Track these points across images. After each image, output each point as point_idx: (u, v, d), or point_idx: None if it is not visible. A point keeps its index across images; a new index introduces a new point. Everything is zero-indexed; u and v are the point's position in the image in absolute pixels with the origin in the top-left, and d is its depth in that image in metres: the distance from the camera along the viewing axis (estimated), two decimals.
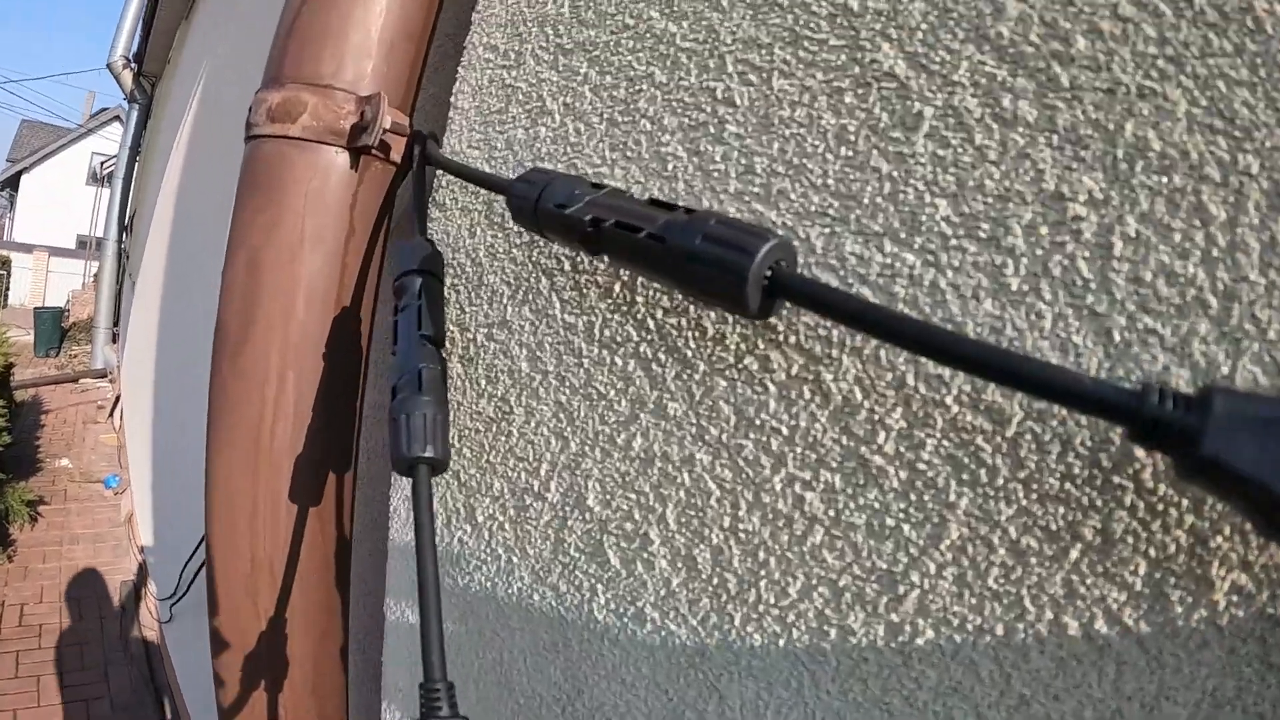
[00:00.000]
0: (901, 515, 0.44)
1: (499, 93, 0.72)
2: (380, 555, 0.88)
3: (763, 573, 0.50)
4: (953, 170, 0.43)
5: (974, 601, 0.42)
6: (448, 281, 0.73)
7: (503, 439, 0.68)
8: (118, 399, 9.37)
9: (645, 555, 0.57)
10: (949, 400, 0.42)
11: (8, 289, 20.41)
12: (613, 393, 0.59)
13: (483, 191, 0.71)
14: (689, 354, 0.53)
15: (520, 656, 0.68)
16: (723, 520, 0.52)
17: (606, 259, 0.56)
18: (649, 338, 0.56)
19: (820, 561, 0.47)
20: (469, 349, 0.72)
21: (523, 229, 0.61)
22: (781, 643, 0.49)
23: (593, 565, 0.61)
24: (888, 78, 0.46)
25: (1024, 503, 0.40)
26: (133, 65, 10.04)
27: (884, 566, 0.45)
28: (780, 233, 0.48)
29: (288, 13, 0.76)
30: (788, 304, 0.47)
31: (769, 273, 0.43)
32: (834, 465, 0.46)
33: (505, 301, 0.68)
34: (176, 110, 5.97)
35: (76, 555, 6.37)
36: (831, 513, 0.47)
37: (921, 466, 0.43)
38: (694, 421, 0.53)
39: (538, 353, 0.65)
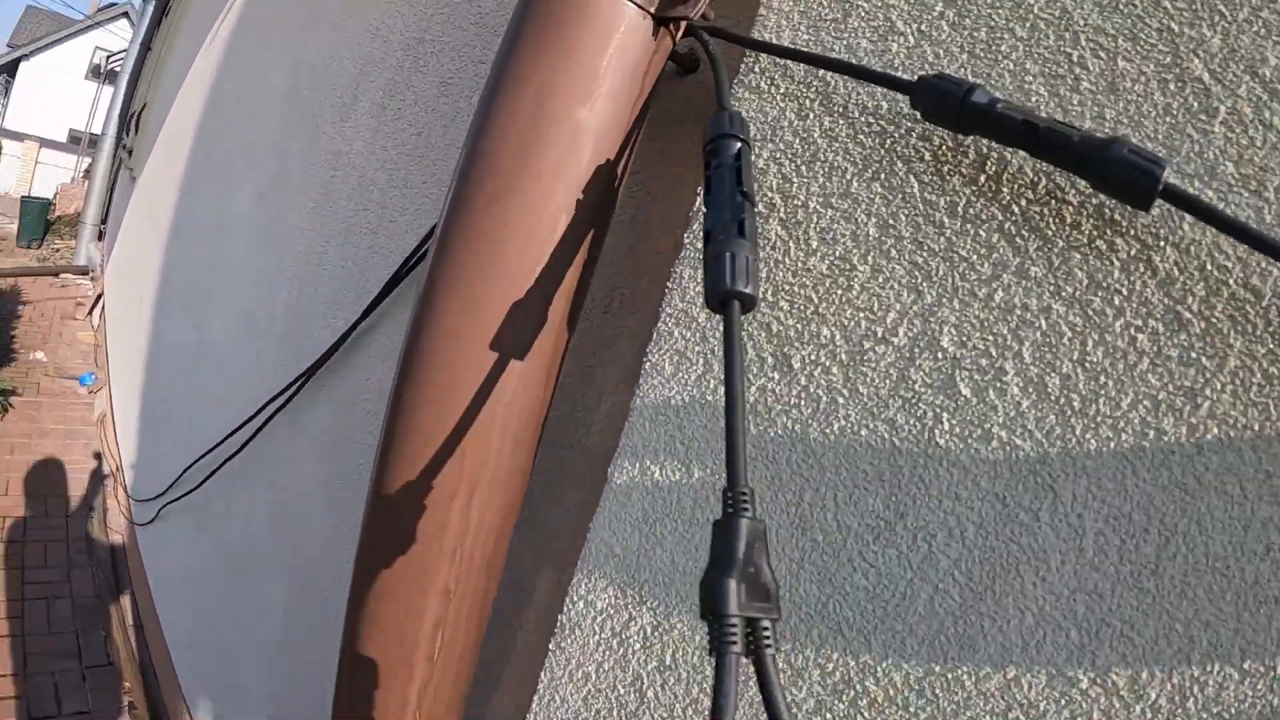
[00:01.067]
0: (1200, 350, 0.62)
1: (835, 5, 0.83)
2: (621, 415, 0.94)
3: (1102, 392, 0.65)
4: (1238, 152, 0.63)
5: (1244, 409, 0.60)
6: (765, 154, 0.82)
7: (839, 292, 0.77)
8: (99, 297, 9.23)
9: (998, 385, 0.70)
10: (1232, 281, 0.61)
11: None
12: (975, 257, 0.70)
13: (816, 81, 0.81)
14: (1049, 233, 0.68)
15: (829, 493, 0.77)
16: (1073, 354, 0.67)
17: (1024, 153, 0.67)
18: (1014, 218, 0.69)
19: (1145, 382, 0.64)
20: (795, 214, 0.80)
21: (929, 121, 0.70)
22: (1112, 445, 0.65)
23: (940, 397, 0.72)
24: (1196, 81, 0.65)
25: (1272, 346, 0.60)
26: None
27: (1188, 385, 0.62)
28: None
29: None
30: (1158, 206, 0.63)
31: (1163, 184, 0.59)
32: (1158, 316, 0.64)
33: (849, 177, 0.77)
34: (210, 6, 5.74)
35: (46, 449, 6.27)
36: (1155, 348, 0.64)
37: (1214, 320, 0.62)
38: (1052, 281, 0.68)
39: (890, 222, 0.74)
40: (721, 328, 0.61)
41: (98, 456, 6.26)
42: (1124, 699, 0.61)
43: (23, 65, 29.23)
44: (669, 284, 0.89)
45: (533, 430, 0.89)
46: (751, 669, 0.47)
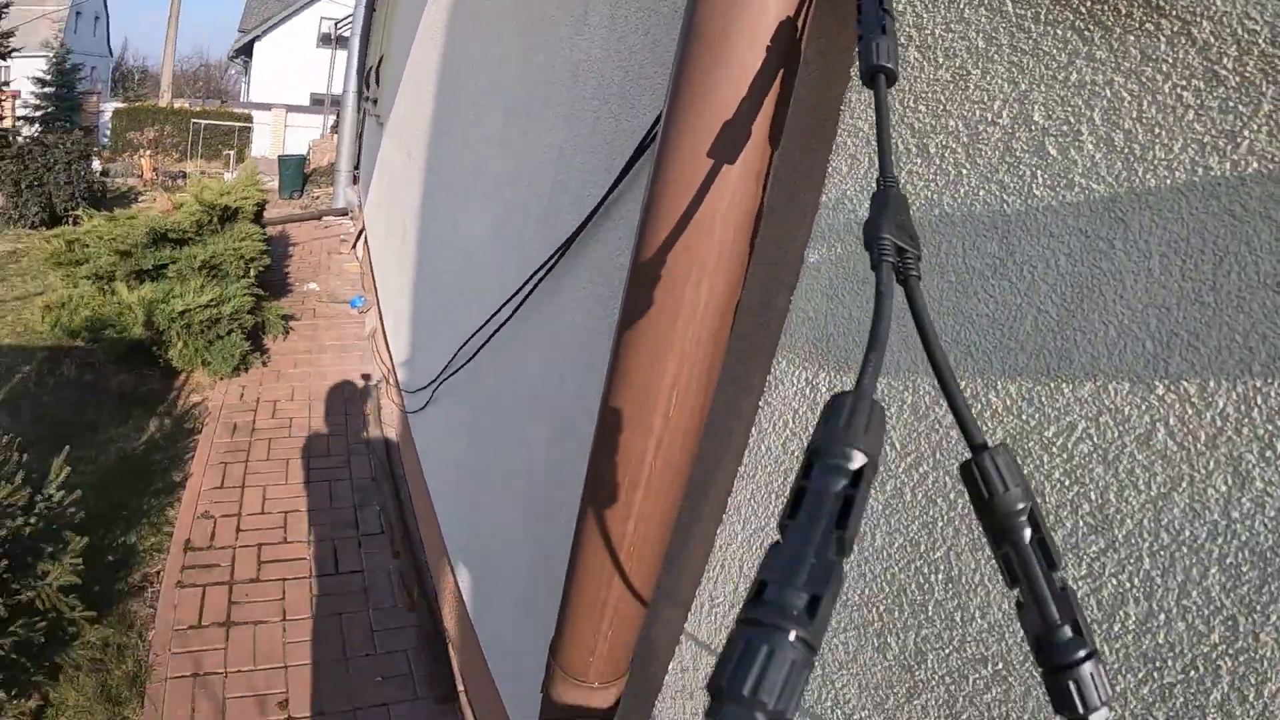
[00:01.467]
0: (1237, 99, 0.70)
1: None
2: (811, 212, 1.16)
3: (1157, 140, 0.76)
4: None
5: (1279, 146, 0.68)
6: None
7: (960, 93, 0.94)
8: (361, 232, 10.20)
9: (1077, 144, 0.82)
10: (1261, 41, 0.68)
11: (251, 142, 22.08)
12: (1055, 50, 0.84)
13: None
14: (1109, 23, 0.79)
15: (958, 243, 0.95)
16: (1132, 113, 0.78)
17: None
18: (1082, 17, 0.81)
19: (1192, 130, 0.73)
20: (926, 40, 0.97)
21: None
22: (1168, 182, 0.75)
23: (1034, 159, 0.86)
24: None
25: None
26: None
27: (1228, 128, 0.70)
28: None
29: None
30: None
31: None
32: (1199, 76, 0.72)
33: (961, 6, 0.93)
34: None
35: (324, 363, 7.14)
36: (1198, 100, 0.72)
37: (1247, 74, 0.69)
38: (1113, 60, 0.79)
39: (993, 34, 0.90)
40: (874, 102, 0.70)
41: (369, 366, 7.05)
42: (1195, 405, 0.72)
43: (256, 45, 31.37)
44: (841, 108, 1.10)
45: (748, 226, 1.11)
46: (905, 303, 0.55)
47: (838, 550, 0.38)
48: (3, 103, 17.23)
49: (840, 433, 0.42)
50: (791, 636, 0.35)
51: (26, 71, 20.59)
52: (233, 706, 3.37)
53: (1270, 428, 0.67)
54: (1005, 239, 0.89)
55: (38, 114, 19.74)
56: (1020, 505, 0.45)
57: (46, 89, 20.31)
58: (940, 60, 0.96)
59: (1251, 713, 0.67)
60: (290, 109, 23.97)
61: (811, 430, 0.49)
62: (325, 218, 12.36)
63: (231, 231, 7.29)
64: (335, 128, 14.77)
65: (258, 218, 8.23)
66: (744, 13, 0.97)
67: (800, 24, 1.00)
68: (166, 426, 5.86)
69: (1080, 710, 0.42)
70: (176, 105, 24.88)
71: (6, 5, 16.72)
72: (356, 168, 12.18)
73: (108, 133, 22.08)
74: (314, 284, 9.38)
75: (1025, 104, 0.87)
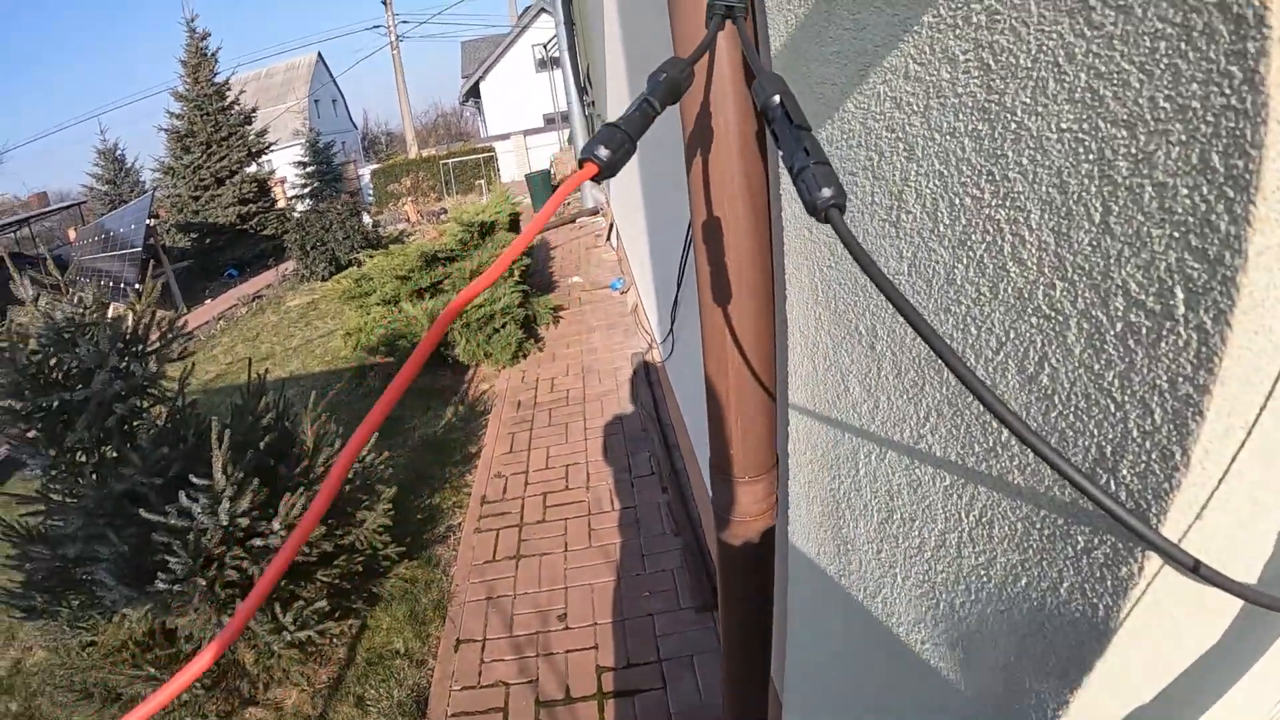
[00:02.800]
0: None
1: None
2: None
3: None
4: None
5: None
6: None
7: None
8: (611, 225, 11.14)
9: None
10: None
11: (497, 170, 24.06)
12: None
13: None
14: None
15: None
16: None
17: None
18: None
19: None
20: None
21: None
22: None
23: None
24: None
25: None
26: None
27: None
28: None
29: None
30: None
31: None
32: None
33: None
34: None
35: (594, 340, 7.97)
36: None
37: None
38: None
39: None
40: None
41: (633, 337, 7.76)
42: None
43: (482, 85, 34.10)
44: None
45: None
46: None
47: (648, 106, 0.75)
48: (273, 189, 20.23)
49: (658, 67, 0.81)
50: (620, 129, 0.70)
51: (286, 159, 24.16)
52: (519, 620, 3.96)
53: (953, 19, 0.67)
54: None
55: (305, 190, 23.06)
56: (775, 97, 0.72)
57: (308, 169, 23.64)
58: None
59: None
60: (527, 133, 25.91)
61: None
62: (578, 219, 13.46)
63: (492, 242, 8.29)
64: (570, 139, 15.86)
65: (513, 227, 9.23)
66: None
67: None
68: (460, 411, 6.88)
69: (809, 196, 0.61)
70: (424, 155, 27.57)
71: (253, 111, 19.60)
72: None
73: (370, 191, 25.05)
74: (577, 277, 10.35)
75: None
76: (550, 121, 28.38)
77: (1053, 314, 0.69)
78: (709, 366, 1.55)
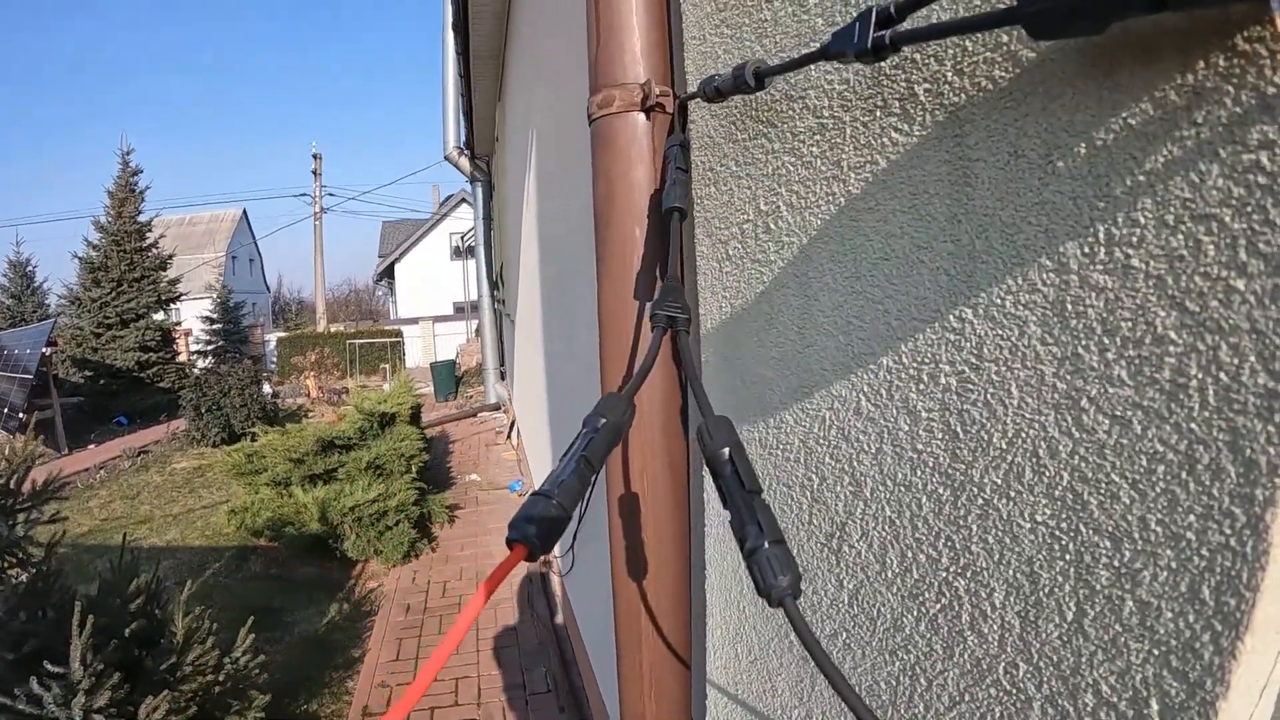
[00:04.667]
0: (835, 138, 0.75)
1: None
2: None
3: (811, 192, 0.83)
4: None
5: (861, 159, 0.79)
6: None
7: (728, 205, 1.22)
8: (513, 423, 11.00)
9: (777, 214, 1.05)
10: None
11: (403, 355, 24.04)
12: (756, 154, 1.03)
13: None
14: (773, 122, 0.99)
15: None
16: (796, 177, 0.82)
17: None
18: (762, 123, 0.88)
19: (824, 169, 0.91)
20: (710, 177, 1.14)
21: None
22: (826, 218, 0.75)
23: (765, 234, 0.93)
24: None
25: None
26: (465, 151, 11.82)
27: (836, 160, 0.92)
28: None
29: (591, 55, 1.40)
30: None
31: None
32: (815, 133, 0.70)
33: (718, 146, 1.03)
34: (518, 167, 7.05)
35: (489, 543, 7.63)
36: (818, 149, 0.72)
37: (837, 117, 0.71)
38: (781, 145, 0.84)
39: (730, 161, 1.01)
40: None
41: None
42: (877, 374, 0.71)
43: (396, 267, 34.84)
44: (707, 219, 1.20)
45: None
46: None
47: (585, 466, 0.72)
48: (177, 340, 19.72)
49: (595, 409, 0.77)
50: (554, 500, 0.69)
51: (195, 312, 23.82)
52: None
53: (917, 372, 0.73)
54: (769, 296, 1.05)
55: (209, 348, 22.55)
56: (725, 452, 0.70)
57: (215, 325, 23.19)
58: (712, 185, 1.22)
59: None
60: (436, 319, 26.07)
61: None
62: (479, 414, 13.29)
63: (391, 434, 8.08)
64: (478, 331, 16.03)
65: (414, 419, 9.05)
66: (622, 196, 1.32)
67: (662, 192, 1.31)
68: (345, 609, 6.43)
69: (763, 582, 0.59)
70: (332, 329, 27.46)
71: (170, 257, 19.40)
72: (502, 364, 13.17)
73: (274, 359, 24.61)
74: (474, 475, 10.07)
75: (771, 202, 1.01)
76: (460, 310, 28.74)
77: (1015, 691, 0.63)
78: (621, 637, 1.49)
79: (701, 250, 1.15)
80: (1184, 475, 0.48)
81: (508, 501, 8.96)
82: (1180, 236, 0.48)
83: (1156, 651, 0.51)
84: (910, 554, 0.73)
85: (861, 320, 0.78)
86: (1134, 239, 0.51)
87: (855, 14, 0.74)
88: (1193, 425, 0.48)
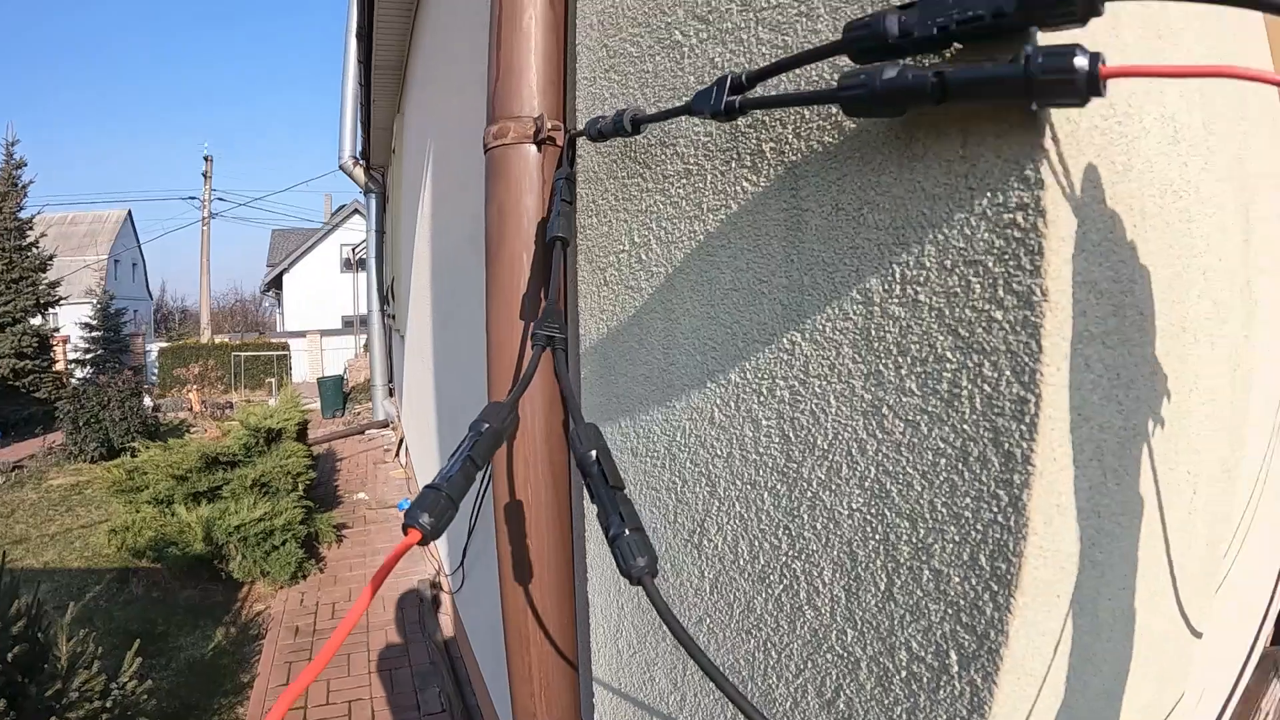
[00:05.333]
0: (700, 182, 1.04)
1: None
2: None
3: (678, 230, 1.05)
4: None
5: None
6: None
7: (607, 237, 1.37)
8: (401, 440, 10.82)
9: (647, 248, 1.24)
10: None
11: (290, 369, 23.36)
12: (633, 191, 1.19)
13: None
14: (645, 162, 1.08)
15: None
16: (664, 214, 1.06)
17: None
18: (639, 165, 1.12)
19: (688, 208, 1.07)
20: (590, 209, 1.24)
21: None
22: (691, 256, 1.13)
23: (638, 265, 1.06)
24: None
25: None
26: (361, 161, 11.65)
27: (697, 199, 1.07)
28: None
29: (490, 86, 1.48)
30: None
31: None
32: (683, 176, 1.04)
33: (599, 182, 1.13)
34: (413, 183, 7.03)
35: (379, 564, 7.40)
36: (687, 191, 1.01)
37: (701, 164, 0.98)
38: (654, 185, 1.03)
39: (610, 197, 1.12)
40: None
41: (420, 562, 7.45)
42: (727, 388, 0.95)
43: (285, 277, 33.65)
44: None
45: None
46: None
47: (470, 464, 0.79)
48: (54, 347, 18.56)
49: (480, 415, 0.86)
50: (443, 492, 0.74)
51: (74, 318, 22.28)
52: None
53: (758, 386, 0.84)
54: (639, 319, 1.14)
55: (88, 356, 21.27)
56: (592, 454, 0.81)
57: (94, 333, 21.90)
58: (594, 216, 1.31)
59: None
60: (324, 333, 25.43)
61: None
62: (367, 431, 13.00)
63: (277, 451, 7.91)
64: (366, 346, 15.77)
65: (301, 436, 8.87)
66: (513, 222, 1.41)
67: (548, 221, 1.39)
68: (232, 633, 6.27)
69: (624, 563, 0.70)
70: (217, 341, 26.46)
71: (50, 258, 18.34)
72: (390, 381, 12.94)
73: (155, 370, 23.50)
74: (362, 493, 9.90)
75: (644, 235, 1.11)
76: (349, 324, 28.13)
77: (845, 654, 0.74)
78: (510, 640, 1.54)
79: (583, 275, 1.24)
80: (960, 465, 0.61)
81: (397, 520, 8.74)
82: (955, 277, 0.61)
83: (950, 610, 0.63)
84: (757, 543, 0.85)
85: (715, 342, 0.90)
86: (921, 279, 0.64)
87: (718, 72, 0.87)
88: (965, 426, 0.61)
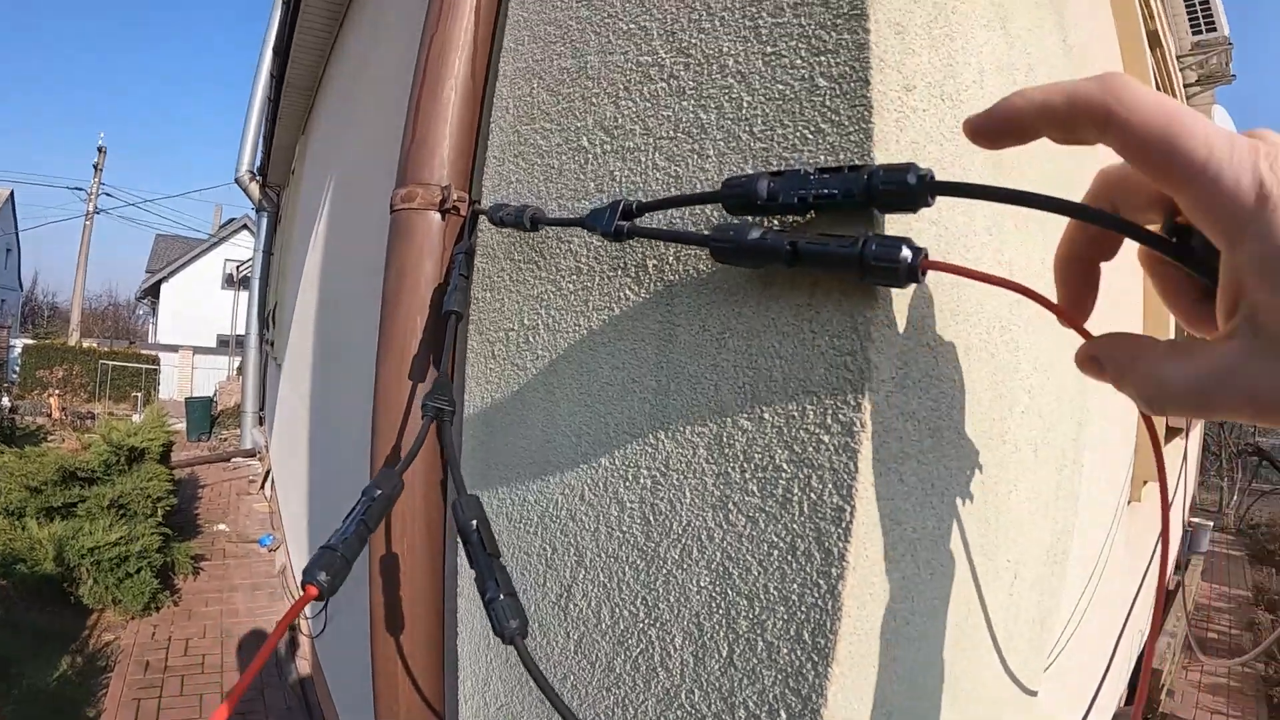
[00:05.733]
0: (588, 277, 1.22)
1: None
2: None
3: (566, 316, 1.29)
4: None
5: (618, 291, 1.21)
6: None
7: (498, 310, 1.49)
8: (268, 472, 10.55)
9: (535, 330, 1.33)
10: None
11: (158, 384, 22.46)
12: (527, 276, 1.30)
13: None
14: (540, 248, 1.03)
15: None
16: (550, 300, 1.16)
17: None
18: (533, 251, 1.06)
19: (573, 297, 1.23)
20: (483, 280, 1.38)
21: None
22: (573, 340, 1.29)
23: (529, 345, 1.14)
24: None
25: None
26: (258, 178, 11.46)
27: (585, 288, 1.19)
28: None
29: (404, 148, 1.57)
30: None
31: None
32: (572, 271, 1.13)
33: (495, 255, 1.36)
34: (309, 211, 7.01)
35: (236, 600, 7.36)
36: (575, 283, 1.12)
37: (592, 265, 1.14)
38: (545, 274, 1.11)
39: (502, 275, 1.16)
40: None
41: (280, 603, 7.29)
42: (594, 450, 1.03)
43: (164, 287, 32.39)
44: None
45: None
46: None
47: (364, 527, 0.86)
48: None
49: (373, 481, 0.93)
50: (339, 553, 0.81)
51: None
52: None
53: (625, 472, 0.91)
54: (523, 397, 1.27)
55: None
56: (473, 523, 0.92)
57: None
58: (489, 291, 1.39)
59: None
60: (197, 350, 24.57)
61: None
62: (233, 459, 12.61)
63: (139, 471, 7.64)
64: (240, 369, 15.37)
65: (164, 458, 8.59)
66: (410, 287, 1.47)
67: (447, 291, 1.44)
68: (79, 663, 5.99)
69: (498, 625, 0.81)
70: (85, 345, 25.26)
71: None
72: (261, 409, 12.64)
73: (17, 369, 22.28)
74: (223, 525, 9.61)
75: (533, 319, 1.20)
76: (224, 344, 27.25)
77: (693, 711, 0.85)
78: (379, 686, 1.57)
79: (472, 345, 1.33)
80: (789, 557, 0.74)
81: (257, 557, 8.61)
82: (795, 403, 0.74)
83: (780, 676, 0.75)
84: (618, 610, 0.95)
85: (590, 428, 1.00)
86: (768, 400, 0.77)
87: (618, 187, 0.99)
88: (794, 525, 0.74)
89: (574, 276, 1.06)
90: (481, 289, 1.33)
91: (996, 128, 0.54)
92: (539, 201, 1.17)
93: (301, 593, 0.76)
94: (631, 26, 1.02)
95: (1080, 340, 0.56)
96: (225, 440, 15.51)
